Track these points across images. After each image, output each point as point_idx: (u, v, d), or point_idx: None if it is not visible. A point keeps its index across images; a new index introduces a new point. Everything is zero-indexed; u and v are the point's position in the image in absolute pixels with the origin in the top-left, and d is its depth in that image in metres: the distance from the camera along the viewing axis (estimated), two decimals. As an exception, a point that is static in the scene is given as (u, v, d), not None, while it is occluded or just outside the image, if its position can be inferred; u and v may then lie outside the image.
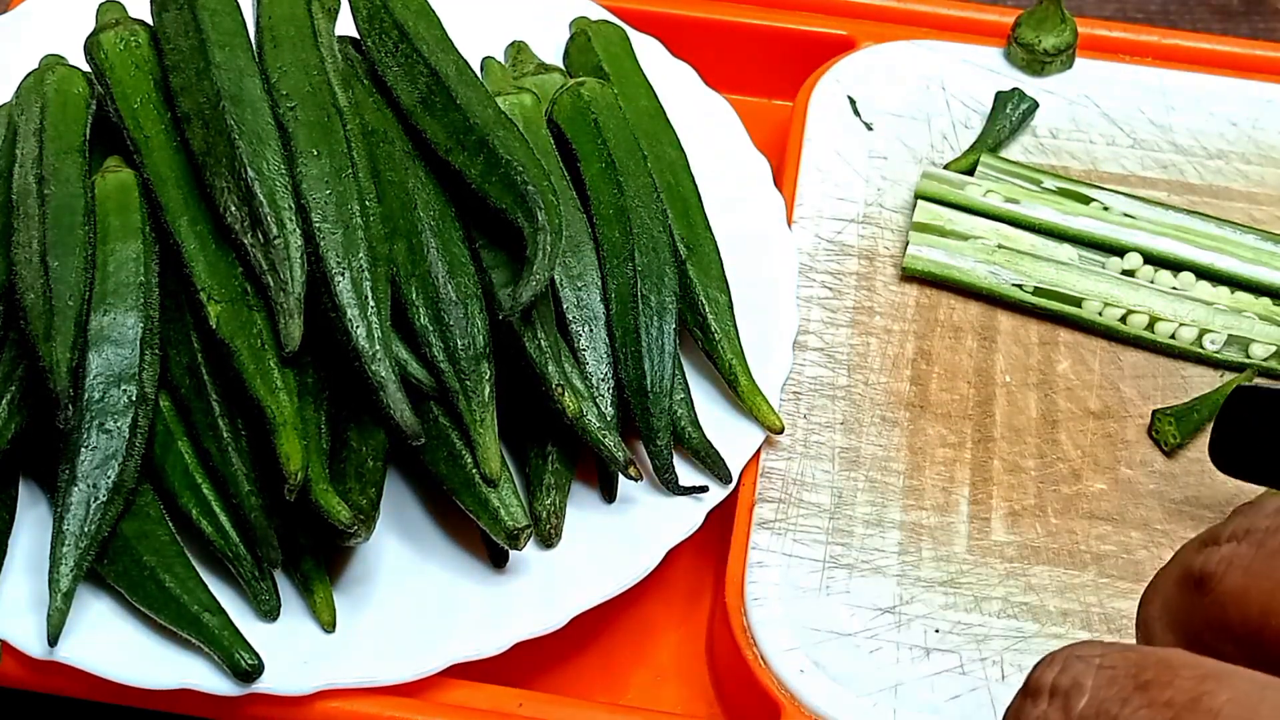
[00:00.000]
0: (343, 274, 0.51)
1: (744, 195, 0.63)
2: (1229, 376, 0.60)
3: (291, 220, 0.52)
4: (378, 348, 0.51)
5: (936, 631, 0.52)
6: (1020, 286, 0.61)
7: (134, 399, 0.52)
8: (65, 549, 0.50)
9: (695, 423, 0.56)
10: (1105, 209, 0.63)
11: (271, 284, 0.51)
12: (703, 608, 0.57)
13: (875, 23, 0.71)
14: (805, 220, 0.63)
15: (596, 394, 0.54)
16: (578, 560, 0.53)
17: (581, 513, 0.54)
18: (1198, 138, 0.67)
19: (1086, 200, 0.63)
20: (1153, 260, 0.62)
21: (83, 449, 0.51)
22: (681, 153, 0.62)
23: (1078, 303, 0.61)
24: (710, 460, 0.55)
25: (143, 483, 0.52)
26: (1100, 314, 0.61)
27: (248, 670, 0.49)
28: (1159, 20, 0.80)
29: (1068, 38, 0.69)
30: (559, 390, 0.52)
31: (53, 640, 0.49)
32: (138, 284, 0.53)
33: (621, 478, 0.54)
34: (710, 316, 0.57)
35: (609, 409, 0.55)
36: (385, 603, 0.52)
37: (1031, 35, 0.68)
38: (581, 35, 0.66)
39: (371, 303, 0.51)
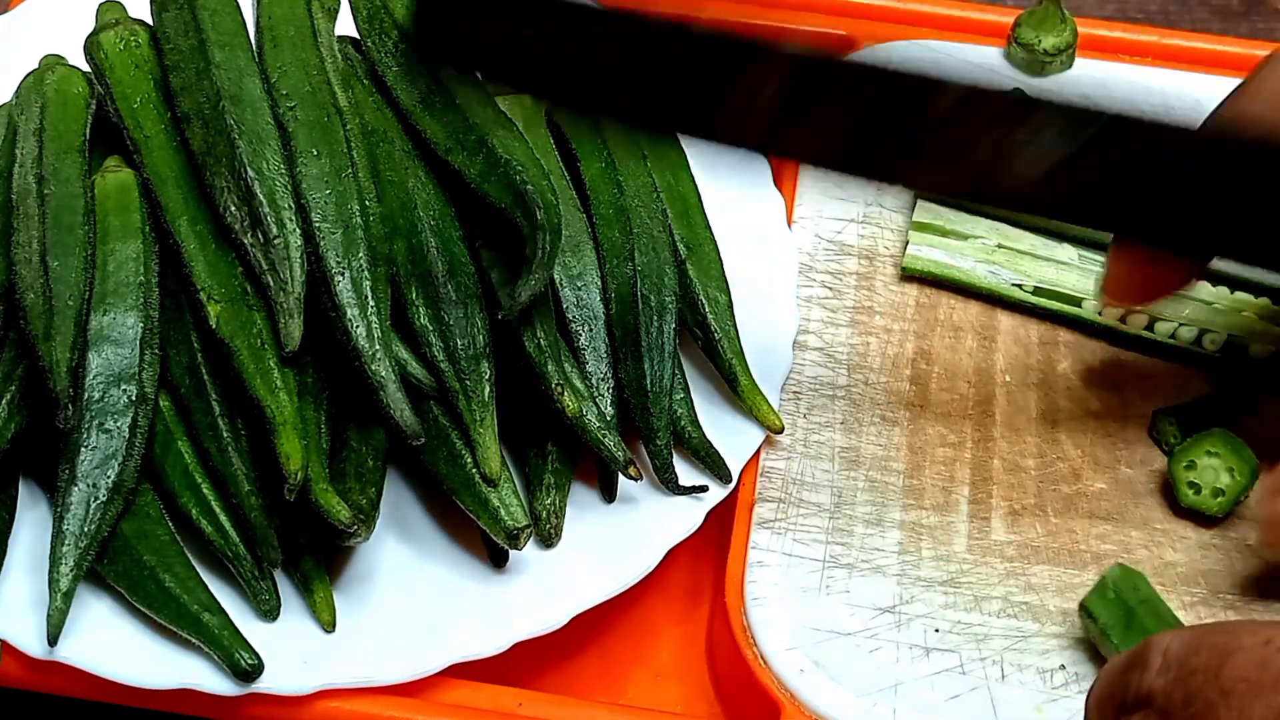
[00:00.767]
0: (343, 274, 0.51)
1: (744, 195, 0.63)
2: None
3: (291, 220, 0.52)
4: (378, 347, 0.51)
5: (936, 631, 0.52)
6: (1020, 286, 0.61)
7: (134, 399, 0.52)
8: (65, 549, 0.50)
9: (695, 422, 0.56)
10: (1105, 209, 0.63)
11: (271, 284, 0.51)
12: (703, 607, 0.57)
13: (875, 23, 0.71)
14: (805, 220, 0.63)
15: (596, 394, 0.54)
16: (578, 560, 0.53)
17: (581, 513, 0.54)
18: (1198, 137, 0.67)
19: (1086, 200, 0.63)
20: (1153, 260, 0.62)
21: (83, 449, 0.51)
22: (681, 152, 0.62)
23: (1078, 302, 0.61)
24: (710, 460, 0.55)
25: (143, 483, 0.52)
26: (1100, 314, 0.61)
27: (248, 670, 0.49)
28: (1159, 20, 0.80)
29: (1068, 38, 0.69)
30: (559, 390, 0.52)
31: (53, 640, 0.49)
32: (138, 284, 0.53)
33: (621, 478, 0.54)
34: (710, 316, 0.57)
35: (609, 408, 0.55)
36: (385, 603, 0.52)
37: (1031, 35, 0.68)
38: (581, 35, 0.66)
39: (371, 302, 0.51)
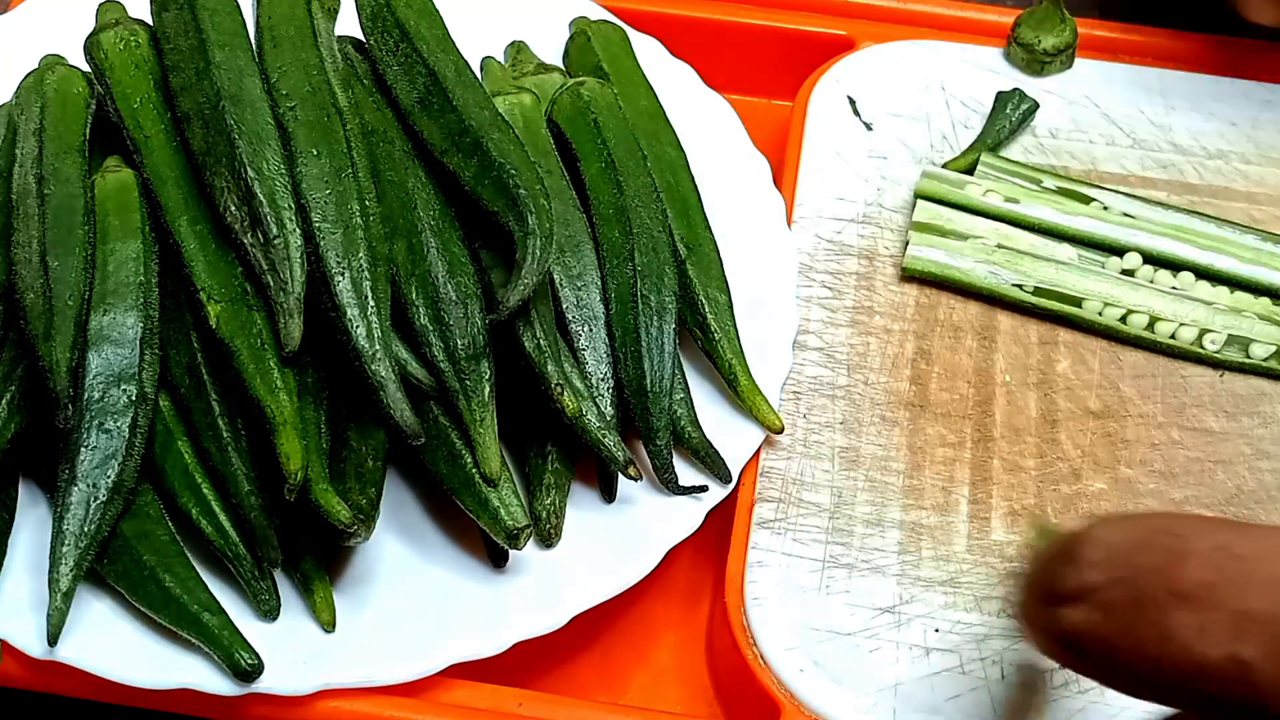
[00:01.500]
0: (343, 274, 0.51)
1: (744, 195, 0.63)
2: (1229, 376, 0.60)
3: (291, 220, 0.52)
4: (378, 347, 0.51)
5: (936, 631, 0.52)
6: (1020, 286, 0.61)
7: (134, 399, 0.52)
8: (65, 549, 0.50)
9: (695, 422, 0.56)
10: (1105, 209, 0.63)
11: (271, 284, 0.51)
12: (703, 608, 0.57)
13: (875, 23, 0.71)
14: (805, 220, 0.63)
15: (596, 394, 0.54)
16: (578, 560, 0.53)
17: (581, 513, 0.54)
18: (1197, 138, 0.67)
19: (1086, 200, 0.63)
20: (1152, 260, 0.62)
21: (83, 449, 0.51)
22: (681, 153, 0.62)
23: (1077, 302, 0.61)
24: (710, 460, 0.55)
25: (143, 483, 0.52)
26: (1100, 314, 0.61)
27: (248, 670, 0.49)
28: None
29: (1067, 38, 0.69)
30: (558, 390, 0.52)
31: (53, 640, 0.49)
32: (137, 284, 0.53)
33: (621, 478, 0.54)
34: (710, 316, 0.57)
35: (608, 409, 0.55)
36: (385, 603, 0.52)
37: (1031, 35, 0.68)
38: (581, 35, 0.66)
39: (371, 302, 0.51)
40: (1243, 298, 0.61)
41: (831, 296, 0.61)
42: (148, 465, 0.52)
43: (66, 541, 0.50)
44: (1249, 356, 0.60)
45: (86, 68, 0.59)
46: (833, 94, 0.67)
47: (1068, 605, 0.40)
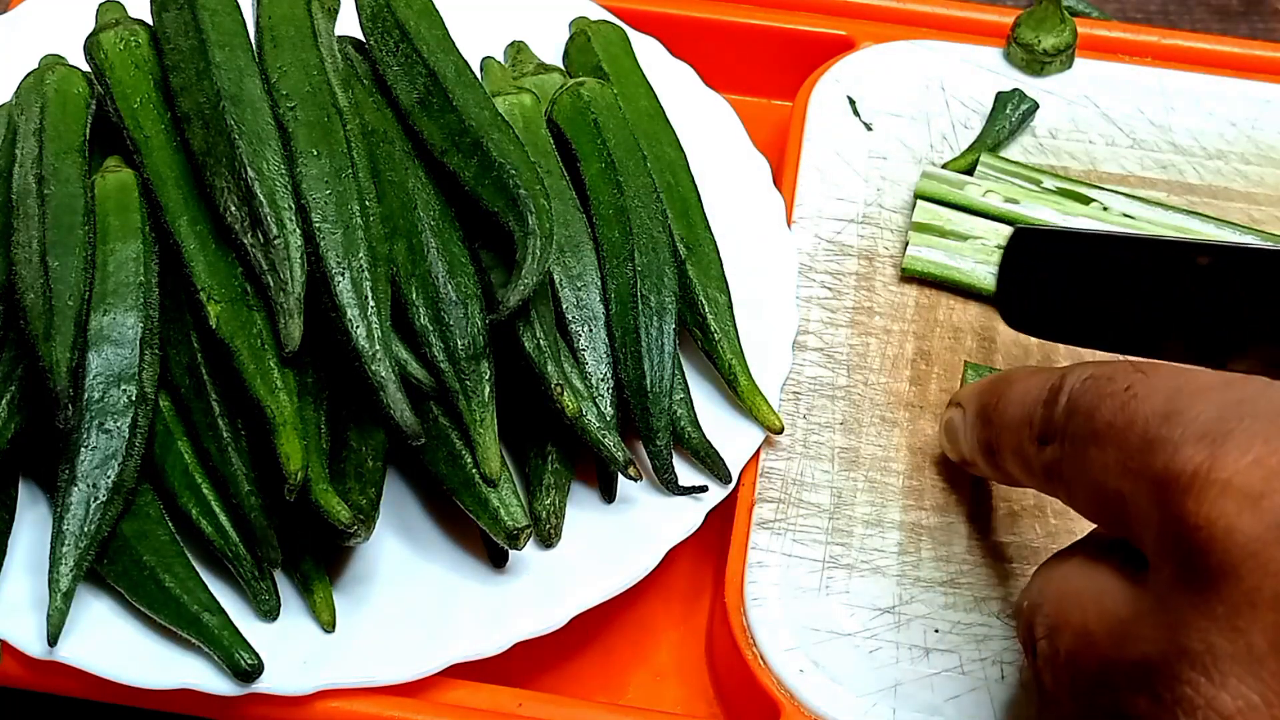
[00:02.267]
0: (343, 274, 0.51)
1: (744, 195, 0.63)
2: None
3: (291, 220, 0.52)
4: (378, 348, 0.51)
5: (936, 631, 0.53)
6: (1020, 287, 0.61)
7: (134, 399, 0.52)
8: (65, 549, 0.50)
9: (695, 423, 0.56)
10: (1105, 209, 0.63)
11: (271, 284, 0.51)
12: (702, 608, 0.57)
13: (875, 23, 0.71)
14: (805, 220, 0.63)
15: (596, 394, 0.54)
16: (577, 560, 0.53)
17: (581, 513, 0.54)
18: (1197, 138, 0.67)
19: (1086, 200, 0.63)
20: (1152, 260, 0.62)
21: (83, 449, 0.51)
22: (681, 153, 0.62)
23: (1077, 303, 0.61)
24: (710, 460, 0.55)
25: (143, 483, 0.52)
26: (1100, 314, 0.61)
27: (248, 670, 0.49)
28: (1158, 20, 0.80)
29: (1067, 38, 0.69)
30: (558, 390, 0.52)
31: (53, 640, 0.49)
32: (138, 284, 0.53)
33: (621, 478, 0.54)
34: (710, 316, 0.57)
35: (608, 409, 0.55)
36: (385, 603, 0.52)
37: (1031, 35, 0.68)
38: (581, 35, 0.66)
39: (371, 303, 0.51)
40: (1242, 298, 0.61)
41: (831, 297, 0.61)
42: (148, 465, 0.52)
43: (66, 541, 0.50)
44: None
45: (86, 68, 0.59)
46: (832, 94, 0.67)
47: (1047, 448, 0.44)
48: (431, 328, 0.53)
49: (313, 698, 0.50)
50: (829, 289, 0.62)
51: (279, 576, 0.52)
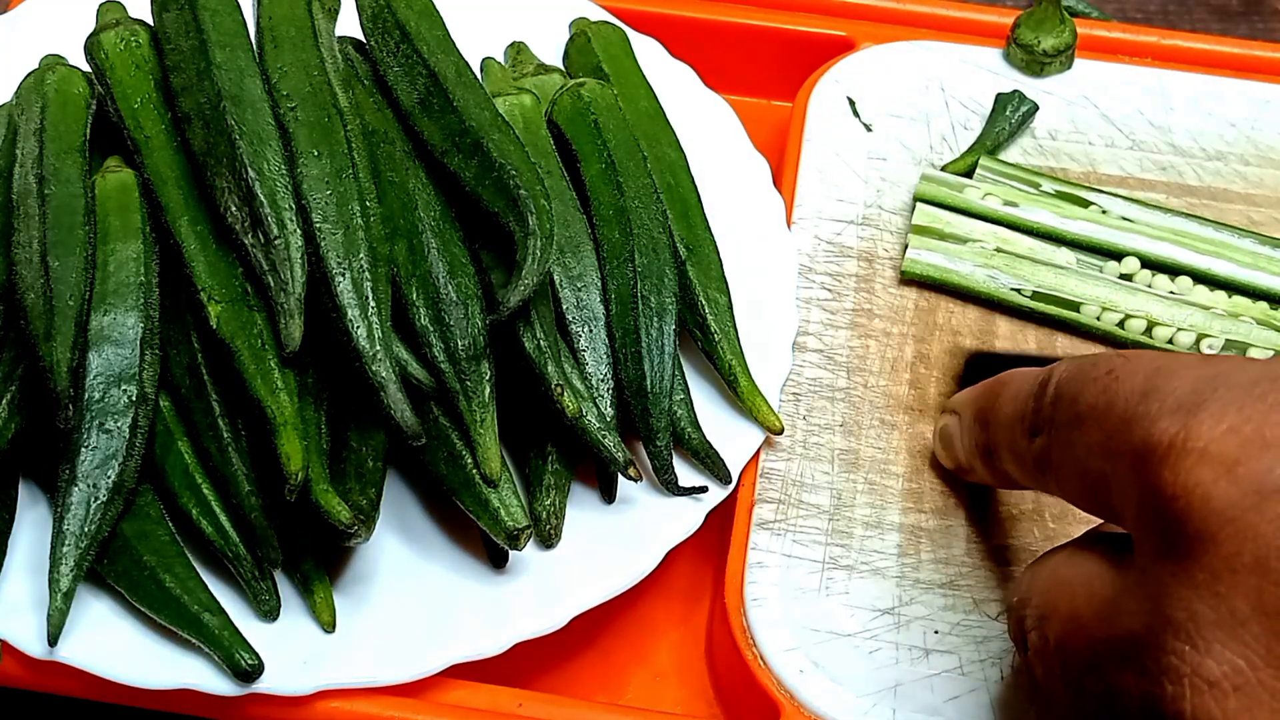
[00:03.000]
0: (343, 274, 0.51)
1: (743, 196, 0.63)
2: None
3: (292, 220, 0.52)
4: (378, 348, 0.51)
5: (936, 633, 0.53)
6: (1019, 290, 0.61)
7: (134, 399, 0.52)
8: (65, 549, 0.50)
9: (695, 423, 0.56)
10: (1104, 212, 0.63)
11: (272, 284, 0.51)
12: (702, 608, 0.57)
13: (875, 23, 0.71)
14: (804, 221, 0.63)
15: (596, 394, 0.55)
16: (578, 560, 0.53)
17: (581, 513, 0.54)
18: (1196, 139, 0.67)
19: (1085, 203, 0.63)
20: (1151, 264, 0.62)
21: (83, 449, 0.51)
22: (681, 153, 0.62)
23: (1076, 307, 0.61)
24: (710, 461, 0.55)
25: (143, 483, 0.52)
26: (1098, 318, 0.61)
27: (248, 670, 0.49)
28: (1158, 20, 0.80)
29: (1067, 38, 0.69)
30: (558, 390, 0.52)
31: (53, 640, 0.49)
32: (138, 284, 0.53)
33: (621, 478, 0.54)
34: (710, 317, 0.58)
35: (608, 409, 0.55)
36: (385, 603, 0.52)
37: (1031, 36, 0.68)
38: (581, 36, 0.66)
39: (372, 303, 0.51)
40: (1241, 302, 0.61)
41: (831, 298, 0.61)
42: (148, 465, 0.52)
43: (66, 541, 0.50)
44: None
45: (86, 68, 0.58)
46: (832, 95, 0.67)
47: (1037, 440, 0.45)
48: (432, 328, 0.53)
49: (313, 698, 0.50)
50: (829, 290, 0.62)
51: (279, 576, 0.52)
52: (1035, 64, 0.69)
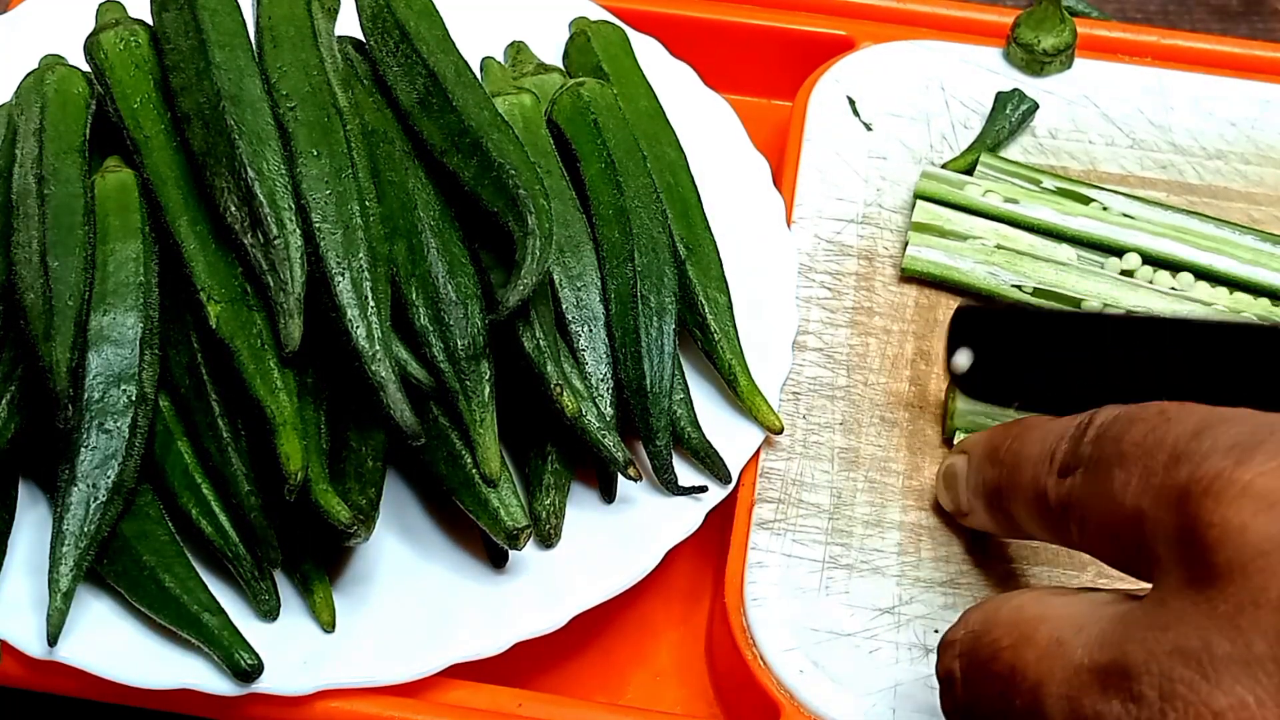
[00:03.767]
0: (343, 274, 0.51)
1: (743, 195, 0.63)
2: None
3: (291, 220, 0.52)
4: (378, 348, 0.51)
5: (936, 632, 0.53)
6: (1019, 287, 0.61)
7: (134, 399, 0.52)
8: (65, 549, 0.50)
9: (695, 423, 0.56)
10: (1104, 209, 0.63)
11: (271, 284, 0.51)
12: (702, 608, 0.57)
13: (875, 23, 0.71)
14: (804, 220, 0.63)
15: (596, 394, 0.55)
16: (577, 560, 0.53)
17: (581, 513, 0.54)
18: (1197, 138, 0.67)
19: (1086, 200, 0.63)
20: (1151, 261, 0.62)
21: (83, 449, 0.51)
22: (681, 153, 0.62)
23: (1077, 303, 0.61)
24: (710, 460, 0.55)
25: (143, 483, 0.52)
26: (1099, 315, 0.61)
27: (248, 670, 0.49)
28: (1158, 20, 0.80)
29: (1067, 38, 0.69)
30: (558, 390, 0.52)
31: (53, 640, 0.49)
32: (137, 284, 0.53)
33: (621, 478, 0.54)
34: (710, 317, 0.57)
35: (608, 409, 0.55)
36: (385, 603, 0.52)
37: (1031, 35, 0.68)
38: (581, 35, 0.66)
39: (371, 303, 0.51)
40: (1242, 298, 0.61)
41: (831, 297, 0.61)
42: (148, 465, 0.52)
43: (66, 541, 0.50)
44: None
45: (86, 68, 0.58)
46: (832, 94, 0.67)
47: (1068, 479, 0.45)
48: (431, 328, 0.53)
49: (313, 698, 0.50)
50: (829, 289, 0.62)
51: (279, 576, 0.52)
52: (1035, 63, 0.69)
